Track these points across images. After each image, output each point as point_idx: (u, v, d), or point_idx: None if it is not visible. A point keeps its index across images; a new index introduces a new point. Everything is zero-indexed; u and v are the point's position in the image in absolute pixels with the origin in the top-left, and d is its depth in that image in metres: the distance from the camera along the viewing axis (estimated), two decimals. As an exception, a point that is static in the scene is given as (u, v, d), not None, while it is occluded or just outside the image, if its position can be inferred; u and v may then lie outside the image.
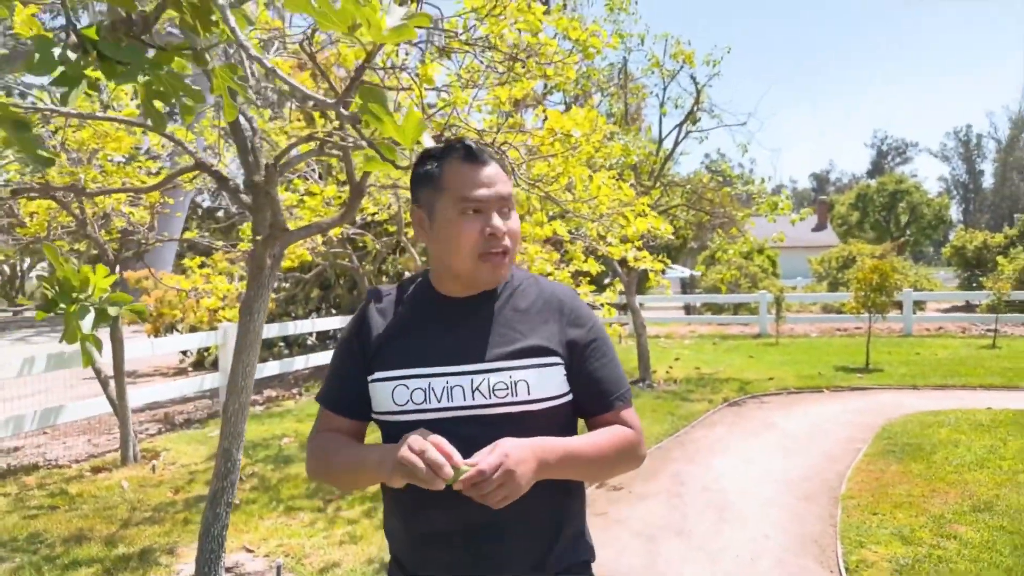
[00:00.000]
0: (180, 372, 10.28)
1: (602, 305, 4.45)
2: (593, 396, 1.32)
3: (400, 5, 3.28)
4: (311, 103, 2.70)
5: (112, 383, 5.44)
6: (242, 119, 3.11)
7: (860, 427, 6.28)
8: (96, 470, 5.35)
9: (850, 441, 5.83)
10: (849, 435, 6.03)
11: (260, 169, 3.12)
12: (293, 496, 4.63)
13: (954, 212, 66.50)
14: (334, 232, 5.98)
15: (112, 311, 1.63)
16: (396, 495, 1.28)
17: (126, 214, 5.38)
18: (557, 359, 1.27)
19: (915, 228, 38.62)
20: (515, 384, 1.23)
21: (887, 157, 77.14)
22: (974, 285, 18.71)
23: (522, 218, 3.97)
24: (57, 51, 1.26)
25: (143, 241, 4.90)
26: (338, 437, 1.33)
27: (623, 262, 5.22)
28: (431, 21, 1.34)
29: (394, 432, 1.24)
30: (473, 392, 1.23)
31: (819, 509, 4.31)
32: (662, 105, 7.70)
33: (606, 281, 13.00)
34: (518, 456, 1.13)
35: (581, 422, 1.38)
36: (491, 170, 1.27)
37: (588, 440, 1.27)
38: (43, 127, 3.65)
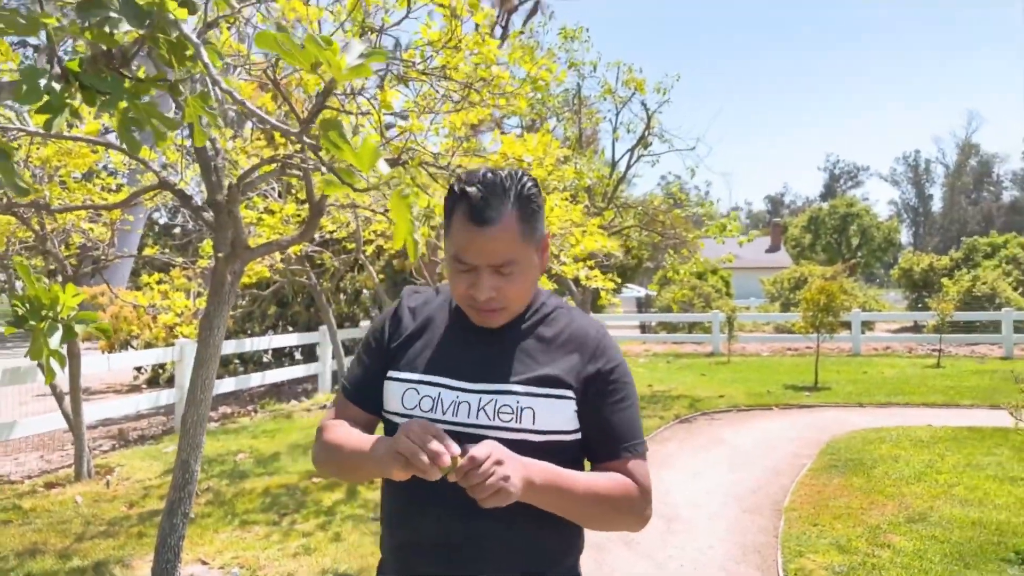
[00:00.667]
0: (134, 389, 10.12)
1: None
2: (601, 439, 1.26)
3: (361, 35, 3.43)
4: (275, 130, 2.82)
5: (67, 398, 5.39)
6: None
7: (806, 443, 6.55)
8: (49, 485, 5.29)
9: (796, 456, 6.08)
10: (795, 451, 6.29)
11: (223, 188, 3.22)
12: (248, 510, 4.66)
13: (904, 235, 68.97)
14: (293, 249, 6.05)
15: (79, 329, 1.72)
16: (387, 502, 1.32)
17: (85, 230, 5.39)
18: (569, 393, 1.24)
19: (866, 250, 39.99)
20: (520, 411, 1.21)
21: (839, 181, 79.75)
22: (920, 306, 19.48)
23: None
24: (43, 82, 1.37)
25: (103, 257, 4.91)
26: (345, 425, 1.32)
27: (576, 281, 5.40)
28: (387, 57, 1.48)
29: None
30: (478, 412, 1.22)
31: (763, 520, 4.51)
32: (615, 130, 8.01)
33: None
34: (507, 454, 1.10)
35: None
36: (493, 233, 1.19)
37: (582, 476, 1.22)
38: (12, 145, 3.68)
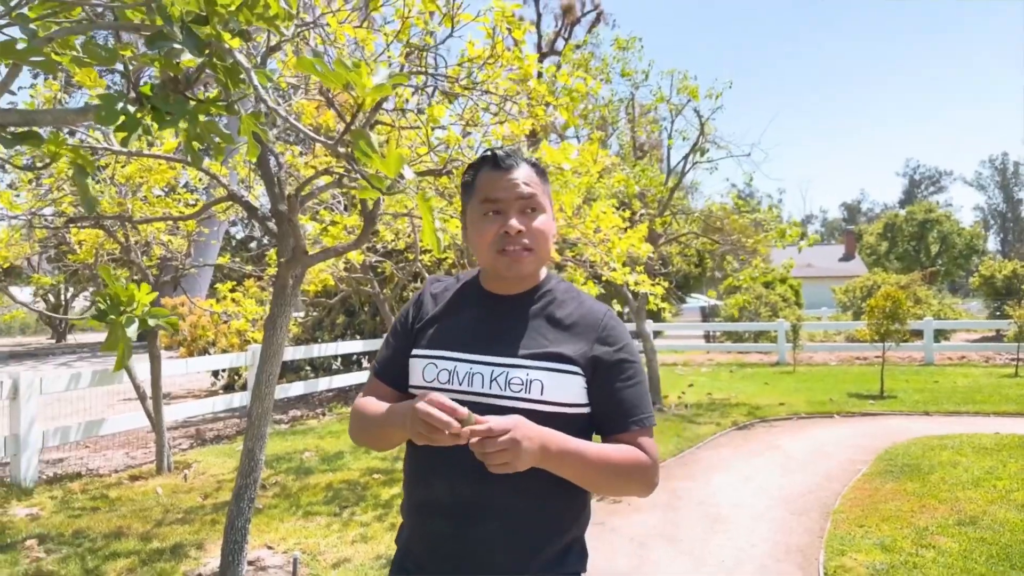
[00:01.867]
0: (211, 394, 10.75)
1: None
2: (611, 414, 1.35)
3: (408, 55, 3.68)
4: (314, 142, 3.08)
5: (150, 399, 5.86)
6: (270, 156, 3.53)
7: (864, 450, 6.42)
8: (133, 478, 5.75)
9: (851, 462, 5.98)
10: (851, 457, 6.18)
11: (285, 199, 3.52)
12: (312, 503, 4.96)
13: (991, 242, 65.30)
14: (356, 259, 6.38)
15: (151, 322, 1.98)
16: (407, 464, 1.43)
17: (165, 242, 5.87)
18: (577, 369, 1.32)
19: (947, 258, 38.07)
20: (529, 382, 1.30)
21: (920, 186, 76.26)
22: (999, 315, 18.48)
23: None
24: (120, 105, 1.64)
25: (180, 267, 5.35)
26: (373, 400, 1.44)
27: (628, 286, 5.51)
28: (408, 79, 1.69)
29: None
30: (491, 382, 1.31)
31: (809, 522, 4.50)
32: (670, 137, 8.04)
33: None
34: (526, 431, 1.19)
35: None
36: (517, 173, 1.37)
37: (595, 446, 1.30)
38: (95, 161, 4.13)
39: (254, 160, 2.81)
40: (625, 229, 5.40)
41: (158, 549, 4.11)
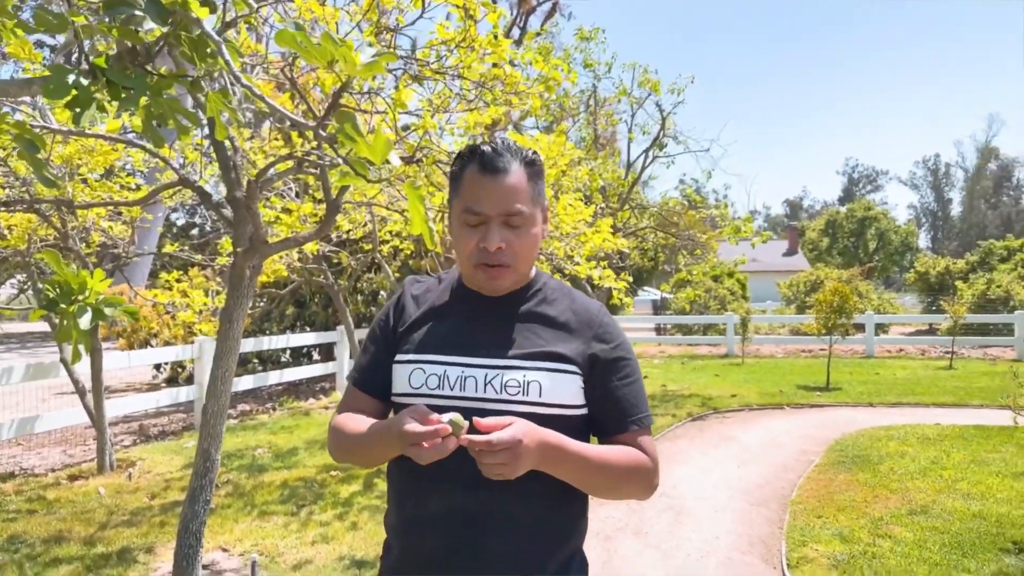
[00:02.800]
0: (153, 388, 10.31)
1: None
2: (609, 415, 1.30)
3: (377, 35, 3.55)
4: (290, 124, 2.93)
5: (89, 394, 5.55)
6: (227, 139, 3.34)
7: (815, 440, 6.57)
8: (73, 478, 5.44)
9: (803, 453, 6.12)
10: (803, 448, 6.32)
11: (241, 185, 3.34)
12: (267, 501, 4.78)
13: (923, 240, 68.30)
14: (310, 249, 6.19)
15: (108, 311, 1.82)
16: (395, 479, 1.33)
17: (105, 228, 5.55)
18: (575, 368, 1.27)
19: (883, 254, 39.66)
20: (527, 384, 1.23)
21: (858, 185, 79.19)
22: (934, 309, 19.32)
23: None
24: (71, 78, 1.48)
25: (123, 254, 5.07)
26: (352, 416, 1.34)
27: (589, 281, 5.48)
28: (399, 57, 1.58)
29: None
30: (485, 386, 1.23)
31: (769, 513, 4.57)
32: (630, 131, 8.07)
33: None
34: (527, 442, 1.12)
35: None
36: (504, 181, 1.24)
37: (596, 448, 1.26)
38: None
39: (220, 141, 2.64)
40: (590, 223, 5.37)
41: (103, 554, 3.88)
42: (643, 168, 8.42)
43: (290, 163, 3.59)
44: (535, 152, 1.33)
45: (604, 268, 5.32)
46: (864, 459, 5.69)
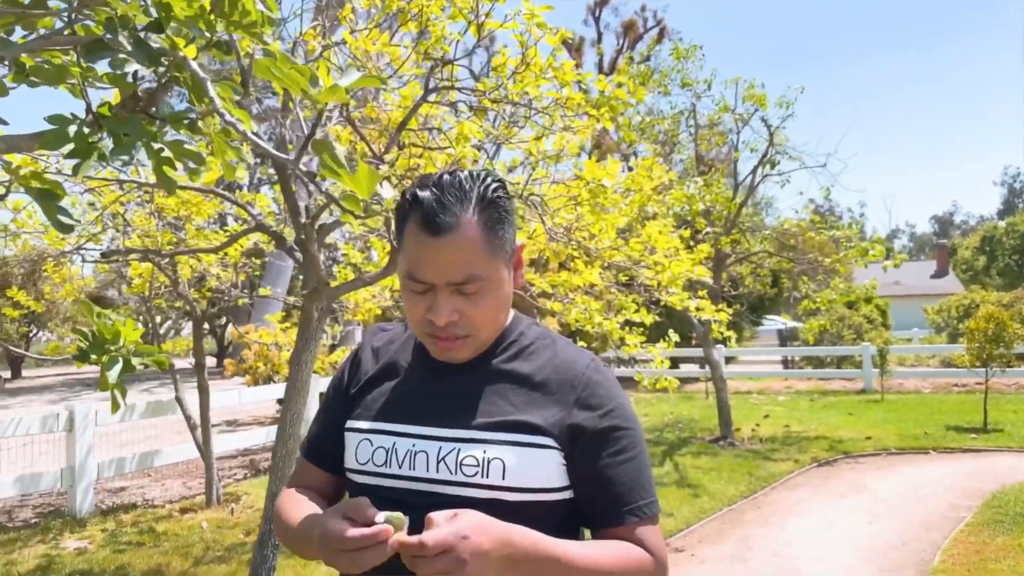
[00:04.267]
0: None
1: (652, 356, 4.35)
2: (600, 502, 1.05)
3: (432, 69, 3.39)
4: (269, 157, 2.87)
5: (199, 430, 5.82)
6: (295, 181, 3.36)
7: (967, 493, 5.69)
8: (184, 511, 5.70)
9: (952, 508, 5.29)
10: (952, 501, 5.47)
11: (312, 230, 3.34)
12: (352, 544, 4.73)
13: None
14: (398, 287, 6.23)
15: (136, 362, 1.77)
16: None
17: (216, 274, 5.86)
18: (550, 441, 1.03)
19: (1055, 273, 35.10)
20: (488, 463, 1.00)
21: (1021, 196, 71.19)
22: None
23: (561, 266, 4.00)
24: (73, 128, 1.44)
25: (226, 299, 5.30)
26: (294, 496, 1.16)
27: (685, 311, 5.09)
28: (382, 83, 1.43)
29: (355, 494, 1.06)
30: (438, 463, 1.03)
31: (904, 582, 3.92)
32: (736, 149, 7.55)
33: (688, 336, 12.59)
34: (478, 542, 0.88)
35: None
36: (450, 243, 1.01)
37: (581, 548, 1.00)
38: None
39: (283, 186, 2.63)
40: (687, 249, 5.00)
41: (191, 592, 3.95)
42: (752, 187, 7.84)
43: (350, 217, 3.56)
44: (500, 185, 1.08)
45: (703, 299, 4.92)
46: (1029, 518, 4.82)
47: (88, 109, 1.56)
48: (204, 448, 5.70)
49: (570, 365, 1.09)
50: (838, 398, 12.35)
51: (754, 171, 7.78)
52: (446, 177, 1.05)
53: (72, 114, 1.53)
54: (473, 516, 0.91)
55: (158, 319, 7.28)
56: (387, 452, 1.06)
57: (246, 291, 6.26)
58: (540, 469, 1.02)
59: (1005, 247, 36.25)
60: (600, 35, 22.57)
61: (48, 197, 1.62)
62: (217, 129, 1.61)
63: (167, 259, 5.12)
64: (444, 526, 0.88)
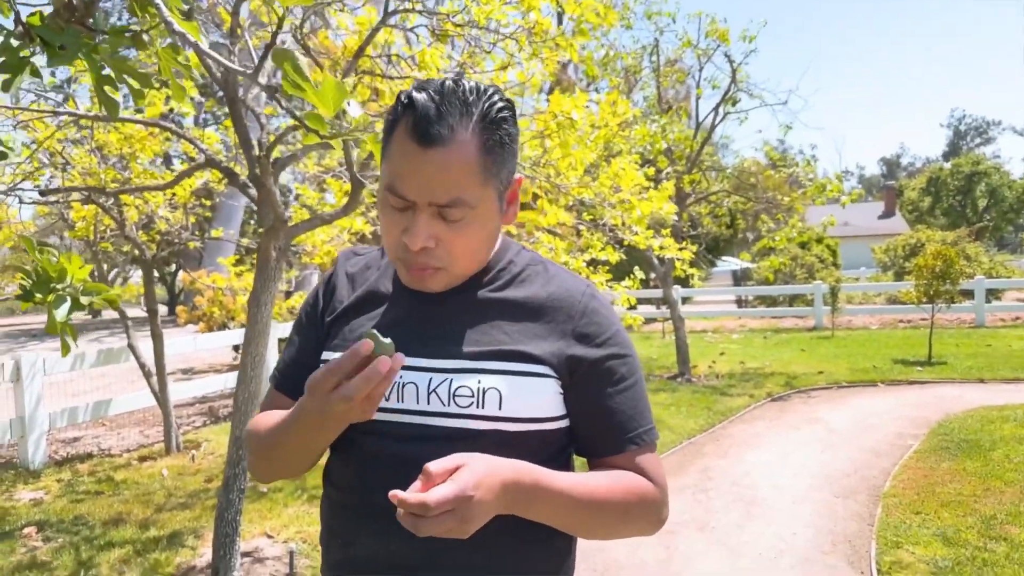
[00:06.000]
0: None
1: (618, 294, 4.34)
2: (600, 431, 1.01)
3: None
4: (224, 71, 2.69)
5: (155, 377, 5.65)
6: (245, 112, 3.15)
7: (914, 422, 5.95)
8: (143, 459, 5.58)
9: (900, 437, 5.53)
10: (900, 430, 5.72)
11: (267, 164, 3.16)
12: (318, 486, 4.70)
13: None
14: (363, 229, 6.04)
15: (84, 299, 1.65)
16: (325, 513, 1.10)
17: (164, 217, 5.59)
18: (547, 370, 0.97)
19: (996, 213, 36.47)
20: (483, 392, 0.94)
21: (966, 138, 73.11)
22: (1057, 272, 17.49)
23: (525, 205, 3.91)
24: None
25: (176, 241, 5.07)
26: (270, 414, 1.08)
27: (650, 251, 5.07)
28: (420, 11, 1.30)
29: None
30: (429, 395, 0.95)
31: (857, 507, 4.09)
32: (698, 87, 7.47)
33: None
34: (482, 496, 0.83)
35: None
36: (440, 157, 0.90)
37: (582, 479, 0.96)
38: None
39: (232, 114, 2.46)
40: (649, 188, 4.96)
41: (155, 538, 3.88)
42: (713, 126, 7.79)
43: (314, 138, 3.38)
44: (506, 105, 0.96)
45: (666, 237, 4.90)
46: (973, 444, 5.06)
47: (17, 19, 1.41)
48: (161, 396, 5.54)
49: (565, 292, 1.03)
50: (791, 335, 12.74)
51: (716, 109, 7.72)
52: (448, 84, 0.93)
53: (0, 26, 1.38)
54: (475, 466, 0.84)
55: (104, 266, 6.97)
56: None
57: (196, 234, 6.00)
58: (537, 398, 0.97)
59: (949, 188, 37.38)
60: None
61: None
62: (163, 45, 1.48)
63: (112, 199, 4.84)
64: (448, 484, 0.81)
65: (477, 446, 0.90)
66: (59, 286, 1.65)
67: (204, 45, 1.37)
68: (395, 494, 0.80)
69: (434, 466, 0.82)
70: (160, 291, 20.95)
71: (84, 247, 5.93)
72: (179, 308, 10.05)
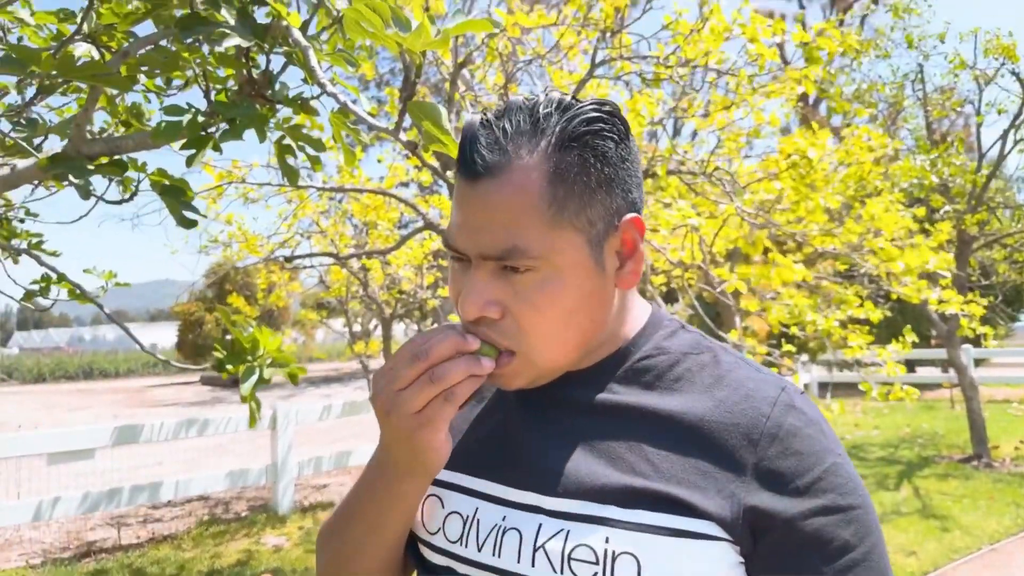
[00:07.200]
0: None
1: (884, 362, 3.55)
2: None
3: (604, 37, 3.02)
4: (368, 128, 2.63)
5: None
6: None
7: None
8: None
9: None
10: None
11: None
12: None
13: None
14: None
15: (267, 373, 1.66)
16: None
17: (406, 277, 6.01)
18: (715, 529, 0.64)
19: None
20: (612, 559, 0.63)
21: None
22: None
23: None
24: (186, 118, 1.32)
25: (410, 300, 5.39)
26: None
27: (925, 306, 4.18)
28: (495, 26, 1.12)
29: (423, 570, 0.78)
30: (534, 551, 0.66)
31: None
32: (978, 113, 6.23)
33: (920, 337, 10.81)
34: None
35: None
36: (485, 193, 0.66)
37: None
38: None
39: (351, 166, 2.46)
40: (920, 232, 4.15)
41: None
42: (1002, 156, 6.45)
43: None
44: (595, 116, 0.66)
45: (944, 288, 4.03)
46: None
47: (207, 96, 1.46)
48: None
49: (745, 400, 0.68)
50: None
51: (1003, 136, 6.40)
52: (518, 100, 0.68)
53: (188, 104, 1.42)
54: None
55: (358, 321, 7.72)
56: (464, 522, 0.72)
57: (438, 294, 6.37)
58: (696, 570, 0.63)
59: None
60: (802, 5, 20.62)
61: (172, 193, 1.55)
62: (334, 110, 1.44)
63: (357, 263, 5.32)
64: None
65: None
66: (251, 357, 1.67)
67: (363, 106, 1.29)
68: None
69: None
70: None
71: (338, 305, 6.59)
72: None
